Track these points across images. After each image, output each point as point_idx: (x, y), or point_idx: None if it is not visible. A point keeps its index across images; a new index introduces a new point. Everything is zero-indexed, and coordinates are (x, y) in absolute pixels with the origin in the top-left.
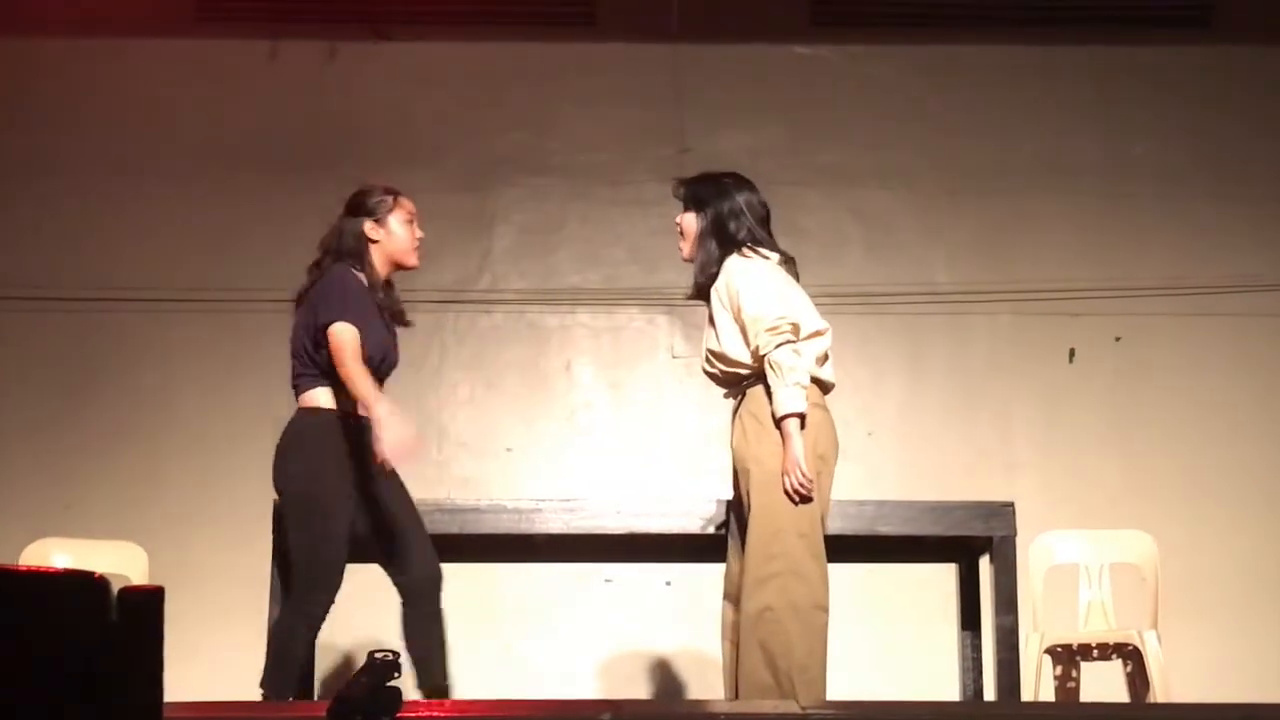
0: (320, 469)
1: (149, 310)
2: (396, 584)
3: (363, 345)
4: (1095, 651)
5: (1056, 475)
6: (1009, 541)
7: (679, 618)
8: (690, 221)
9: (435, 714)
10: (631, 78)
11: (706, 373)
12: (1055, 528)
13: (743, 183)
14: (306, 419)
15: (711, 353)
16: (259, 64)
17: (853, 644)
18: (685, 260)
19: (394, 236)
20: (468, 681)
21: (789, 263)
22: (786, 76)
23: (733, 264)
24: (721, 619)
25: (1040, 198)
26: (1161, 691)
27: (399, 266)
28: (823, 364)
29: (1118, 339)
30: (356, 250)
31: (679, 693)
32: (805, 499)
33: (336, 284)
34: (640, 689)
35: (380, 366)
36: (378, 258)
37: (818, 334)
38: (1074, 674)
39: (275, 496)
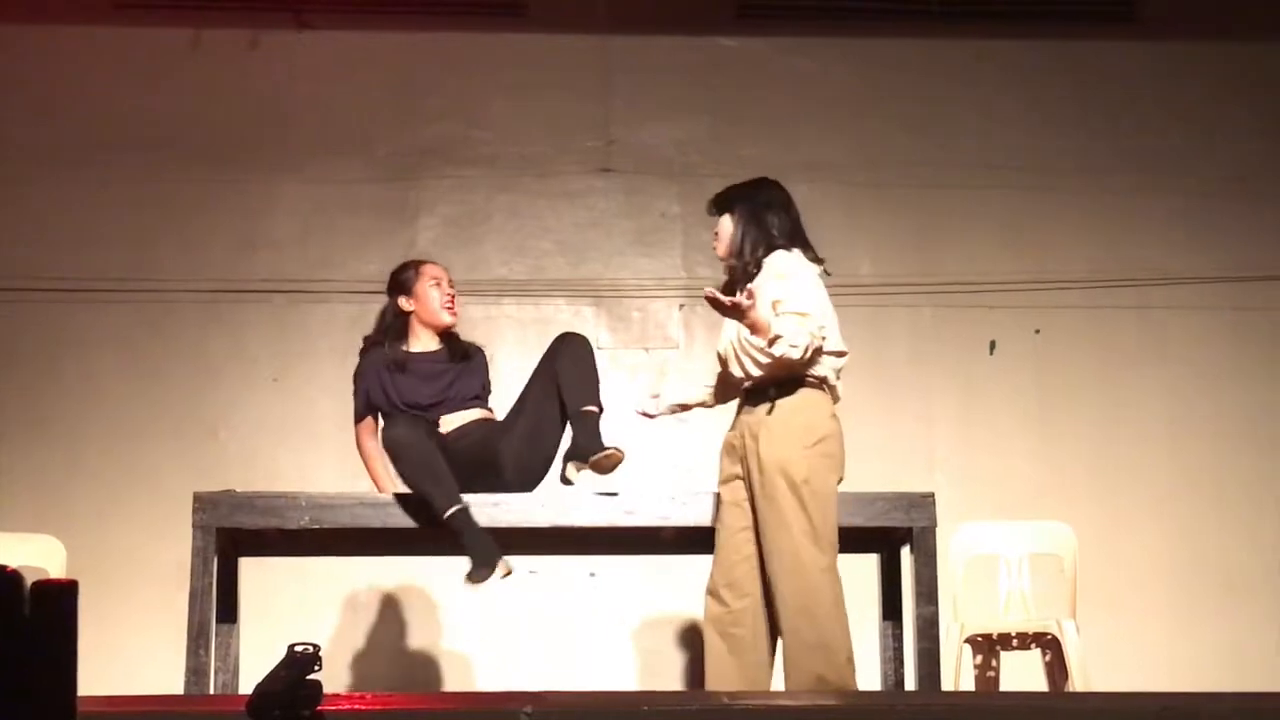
0: None
1: (70, 300)
2: None
3: (393, 408)
4: (1015, 641)
5: (977, 466)
6: (929, 532)
7: (603, 610)
8: (726, 223)
9: (357, 706)
10: (559, 69)
11: (731, 367)
12: (976, 518)
13: (774, 184)
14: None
15: (748, 337)
16: (181, 53)
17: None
18: (721, 258)
19: (423, 302)
20: (391, 675)
21: (825, 275)
22: (713, 69)
23: (781, 258)
24: (706, 611)
25: (963, 190)
26: (1080, 680)
27: (437, 327)
28: (837, 379)
29: (1038, 331)
30: (396, 326)
31: (603, 684)
32: (733, 307)
33: (355, 383)
34: (565, 680)
35: (434, 408)
36: (417, 325)
37: (840, 354)
38: (994, 663)
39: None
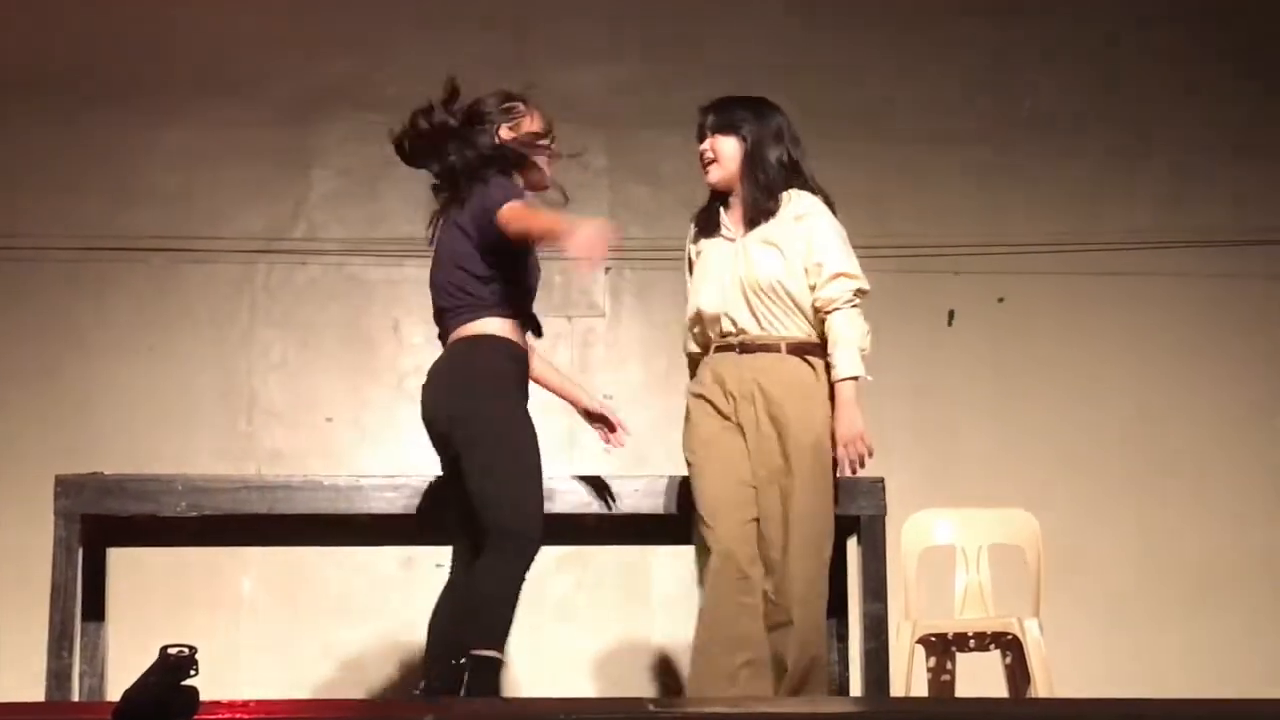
0: (517, 396)
1: None
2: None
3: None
4: (972, 641)
5: (932, 449)
6: (878, 521)
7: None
8: (729, 146)
9: (238, 715)
10: (471, 2)
11: (739, 316)
12: (930, 506)
13: (777, 107)
14: (483, 345)
15: (764, 282)
16: None
17: None
18: (713, 185)
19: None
20: (281, 677)
21: None
22: (645, 7)
23: (813, 202)
24: (716, 562)
25: (923, 151)
26: (1043, 685)
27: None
28: None
29: (1000, 300)
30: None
31: (513, 689)
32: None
33: (495, 188)
34: None
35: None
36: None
37: None
38: (949, 666)
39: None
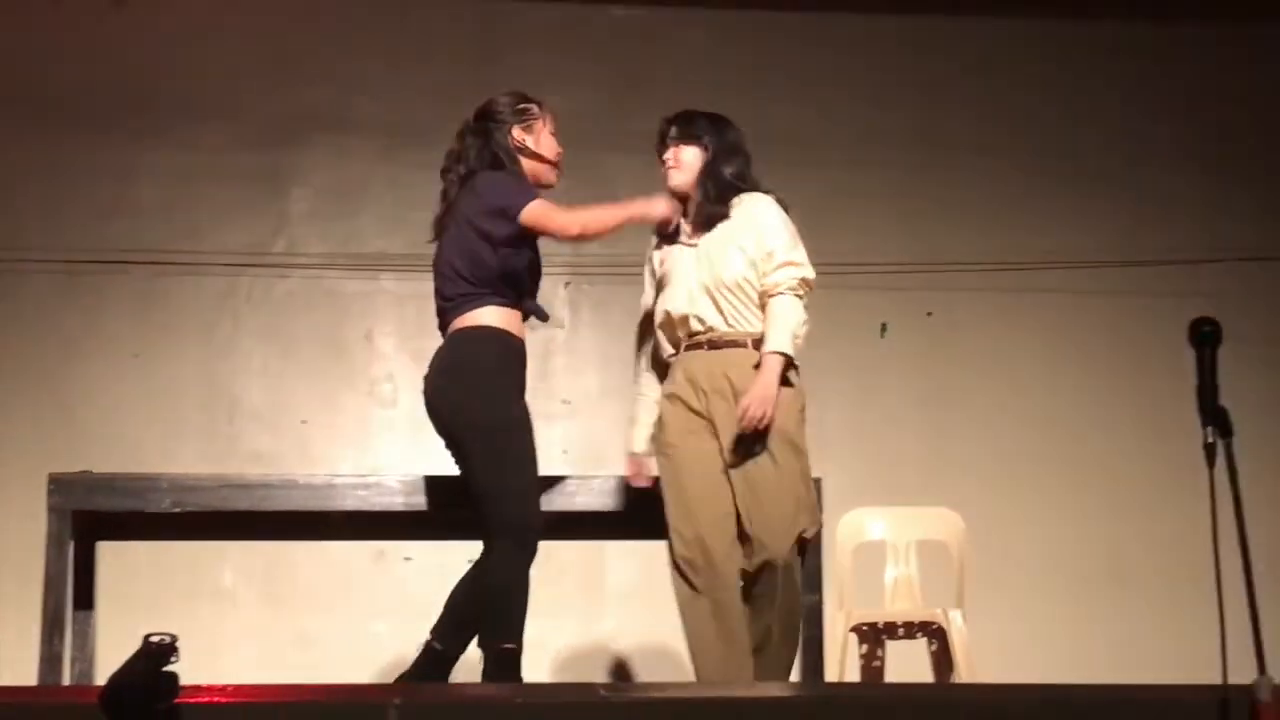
0: (513, 390)
1: None
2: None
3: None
4: (901, 630)
5: (865, 451)
6: None
7: None
8: (691, 155)
9: (216, 699)
10: (443, 33)
11: (703, 313)
12: (863, 504)
13: (732, 123)
14: (481, 337)
15: (729, 280)
16: (40, 10)
17: (652, 624)
18: (674, 189)
19: (545, 149)
20: (259, 665)
21: None
22: (604, 37)
23: (762, 199)
24: (681, 582)
25: (855, 170)
26: (965, 671)
27: (547, 185)
28: None
29: (930, 314)
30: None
31: (474, 675)
32: (758, 432)
33: (508, 182)
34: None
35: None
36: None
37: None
38: (879, 653)
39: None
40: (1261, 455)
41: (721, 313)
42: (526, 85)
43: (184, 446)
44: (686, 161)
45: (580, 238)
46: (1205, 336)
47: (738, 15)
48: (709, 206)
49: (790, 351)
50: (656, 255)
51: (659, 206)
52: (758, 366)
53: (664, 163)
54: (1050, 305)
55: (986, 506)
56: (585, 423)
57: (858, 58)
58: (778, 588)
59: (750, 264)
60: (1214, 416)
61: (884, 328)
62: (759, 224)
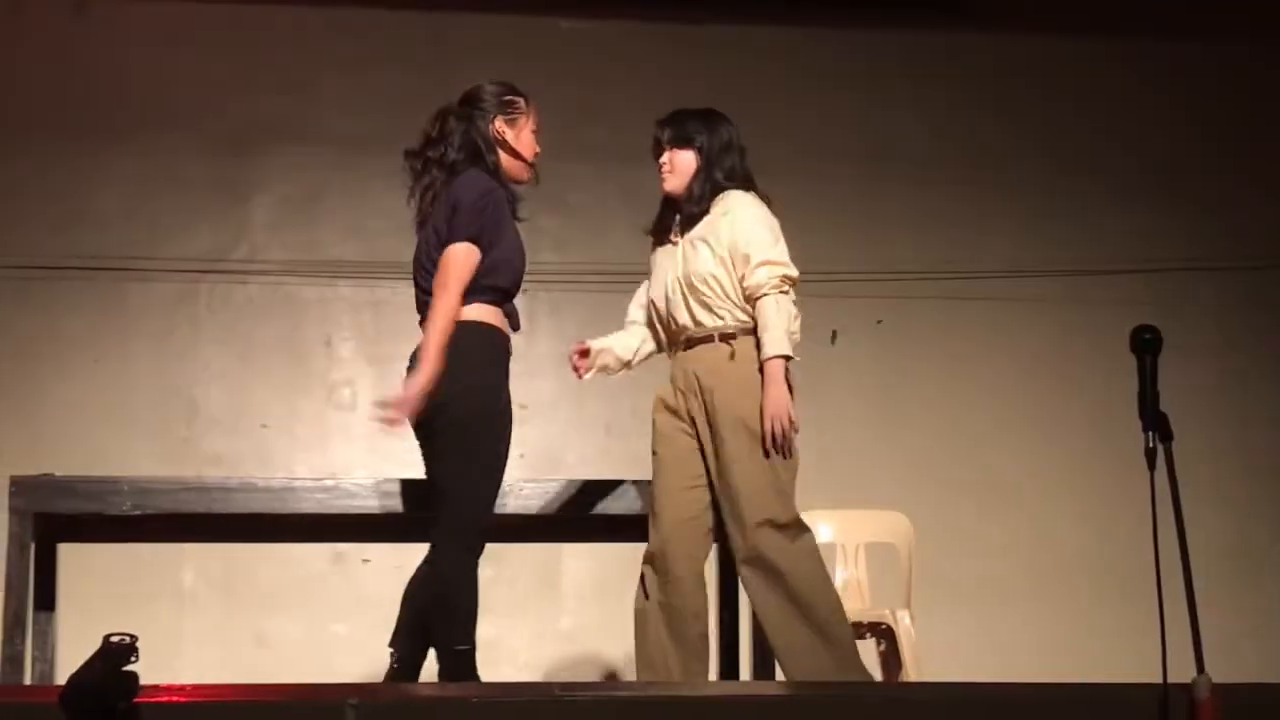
0: (494, 386)
1: None
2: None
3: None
4: None
5: (816, 455)
6: None
7: None
8: (685, 159)
9: (175, 698)
10: (396, 44)
11: (676, 312)
12: (813, 507)
13: (725, 117)
14: (469, 330)
15: (695, 277)
16: None
17: (604, 626)
18: (669, 192)
19: (525, 144)
20: (217, 666)
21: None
22: (553, 49)
23: (740, 197)
24: (642, 581)
25: (803, 180)
26: (913, 670)
27: (523, 181)
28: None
29: (879, 322)
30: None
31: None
32: (787, 449)
33: (475, 202)
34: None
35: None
36: (507, 168)
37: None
38: None
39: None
40: (1202, 460)
41: (692, 311)
42: None
43: (144, 450)
44: (680, 166)
45: (436, 303)
46: (1146, 344)
47: (687, 29)
48: (688, 205)
49: (788, 352)
50: (652, 256)
51: (405, 405)
52: (733, 359)
53: (659, 167)
54: (996, 312)
55: (934, 509)
56: (541, 427)
57: (807, 71)
58: (765, 580)
59: (719, 260)
60: (1155, 422)
61: (834, 335)
62: (733, 221)
